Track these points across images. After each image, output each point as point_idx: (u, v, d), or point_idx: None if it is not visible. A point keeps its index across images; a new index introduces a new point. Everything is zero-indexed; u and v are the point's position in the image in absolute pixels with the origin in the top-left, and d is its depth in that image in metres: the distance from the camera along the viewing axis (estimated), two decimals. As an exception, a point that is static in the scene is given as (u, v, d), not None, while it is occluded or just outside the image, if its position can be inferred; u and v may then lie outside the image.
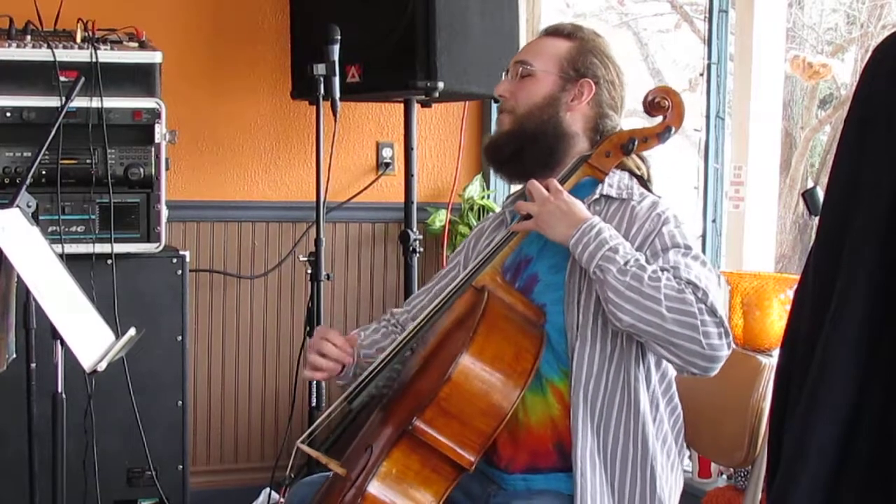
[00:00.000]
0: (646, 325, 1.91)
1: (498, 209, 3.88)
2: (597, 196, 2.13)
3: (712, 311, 1.91)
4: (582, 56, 2.18)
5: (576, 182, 2.12)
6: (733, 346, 1.97)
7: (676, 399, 2.14)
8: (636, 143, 2.11)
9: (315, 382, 3.31)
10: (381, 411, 2.14)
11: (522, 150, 2.17)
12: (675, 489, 2.12)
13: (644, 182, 2.19)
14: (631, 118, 2.40)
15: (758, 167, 3.24)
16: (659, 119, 2.14)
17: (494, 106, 4.08)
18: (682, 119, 2.14)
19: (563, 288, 2.07)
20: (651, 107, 2.13)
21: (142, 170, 3.17)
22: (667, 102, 2.11)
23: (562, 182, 2.09)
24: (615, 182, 2.14)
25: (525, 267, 2.16)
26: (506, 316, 2.02)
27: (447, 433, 1.89)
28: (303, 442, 2.09)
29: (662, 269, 1.95)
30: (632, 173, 2.18)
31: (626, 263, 1.94)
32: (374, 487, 1.87)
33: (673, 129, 2.13)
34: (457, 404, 1.89)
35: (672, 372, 2.11)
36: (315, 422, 2.23)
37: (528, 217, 2.07)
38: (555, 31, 2.24)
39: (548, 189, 2.05)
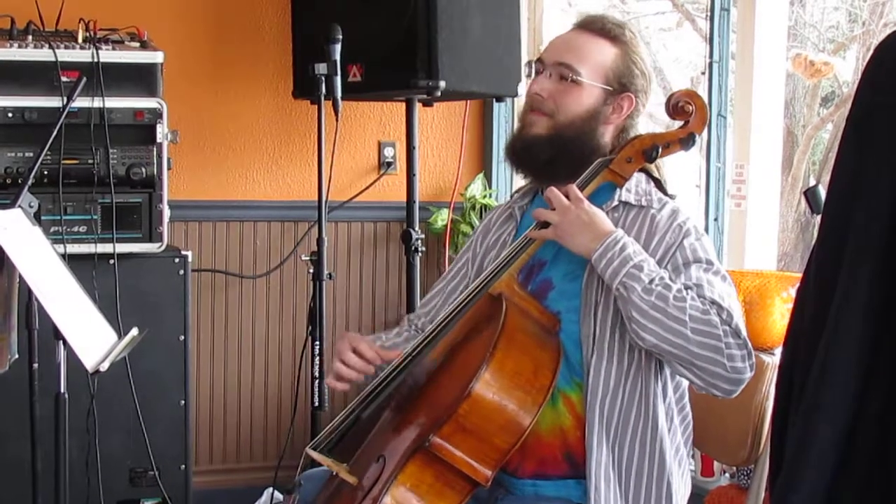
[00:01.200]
0: (669, 346, 1.88)
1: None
2: (616, 203, 2.08)
3: (736, 333, 1.88)
4: (627, 68, 2.10)
5: (595, 187, 2.06)
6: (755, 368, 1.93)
7: (688, 408, 2.11)
8: (659, 149, 2.05)
9: (318, 382, 3.29)
10: (392, 414, 2.08)
11: (558, 158, 2.09)
12: (685, 494, 2.11)
13: (661, 185, 2.14)
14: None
15: (759, 165, 3.24)
16: (680, 123, 2.08)
17: (496, 105, 4.08)
18: (705, 124, 2.08)
19: (578, 297, 2.03)
20: (675, 111, 2.07)
21: (144, 170, 3.17)
22: (690, 107, 2.06)
23: (581, 187, 2.03)
24: (633, 187, 2.09)
25: (538, 271, 2.11)
26: (524, 328, 1.98)
27: (464, 449, 1.86)
28: (312, 448, 2.06)
29: (686, 288, 1.91)
30: (649, 175, 2.13)
31: (650, 282, 1.90)
32: (388, 501, 1.85)
33: (696, 136, 2.07)
34: (475, 421, 1.85)
35: (685, 382, 2.07)
36: (320, 424, 2.21)
37: (546, 224, 2.01)
38: (600, 30, 2.13)
39: (567, 196, 1.99)
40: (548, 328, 2.03)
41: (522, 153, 2.17)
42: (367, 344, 2.10)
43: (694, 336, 1.86)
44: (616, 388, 1.99)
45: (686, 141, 2.07)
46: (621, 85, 2.10)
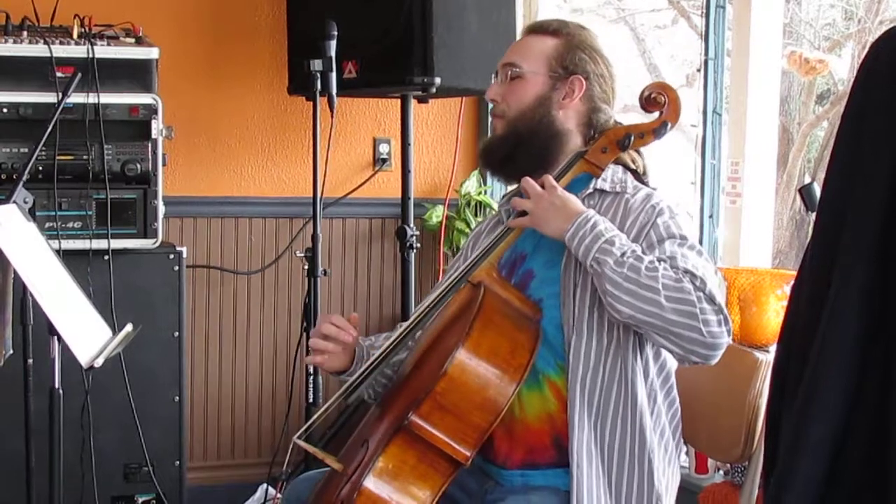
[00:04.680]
0: (645, 316, 1.91)
1: (495, 205, 3.88)
2: (591, 190, 2.13)
3: (711, 299, 1.91)
4: (570, 52, 2.17)
5: (571, 178, 2.12)
6: (732, 333, 1.96)
7: (675, 393, 2.13)
8: (632, 139, 2.12)
9: (312, 378, 3.30)
10: (379, 407, 2.14)
11: (515, 152, 2.17)
12: (673, 482, 2.12)
13: (639, 176, 2.19)
14: (629, 114, 2.39)
15: (755, 163, 3.24)
16: (655, 115, 2.14)
17: (490, 105, 4.08)
18: (679, 114, 2.14)
19: (558, 282, 2.07)
20: (647, 102, 2.13)
21: (139, 165, 3.17)
22: (663, 98, 2.11)
23: (557, 178, 2.09)
24: (609, 176, 2.14)
25: (520, 263, 2.16)
26: (501, 311, 2.02)
27: (443, 428, 1.89)
28: (300, 437, 2.09)
29: (659, 260, 1.95)
30: (626, 167, 2.18)
31: (622, 255, 1.94)
32: (370, 482, 1.87)
33: (669, 125, 2.13)
34: (452, 399, 1.89)
35: (671, 365, 2.10)
36: (312, 417, 2.22)
37: (523, 213, 2.07)
38: (539, 29, 2.23)
39: (542, 185, 2.06)
40: (529, 316, 2.06)
41: (485, 156, 2.29)
42: (337, 315, 2.17)
43: (668, 304, 1.89)
44: (596, 365, 2.03)
45: (659, 130, 2.13)
46: (566, 69, 2.17)
